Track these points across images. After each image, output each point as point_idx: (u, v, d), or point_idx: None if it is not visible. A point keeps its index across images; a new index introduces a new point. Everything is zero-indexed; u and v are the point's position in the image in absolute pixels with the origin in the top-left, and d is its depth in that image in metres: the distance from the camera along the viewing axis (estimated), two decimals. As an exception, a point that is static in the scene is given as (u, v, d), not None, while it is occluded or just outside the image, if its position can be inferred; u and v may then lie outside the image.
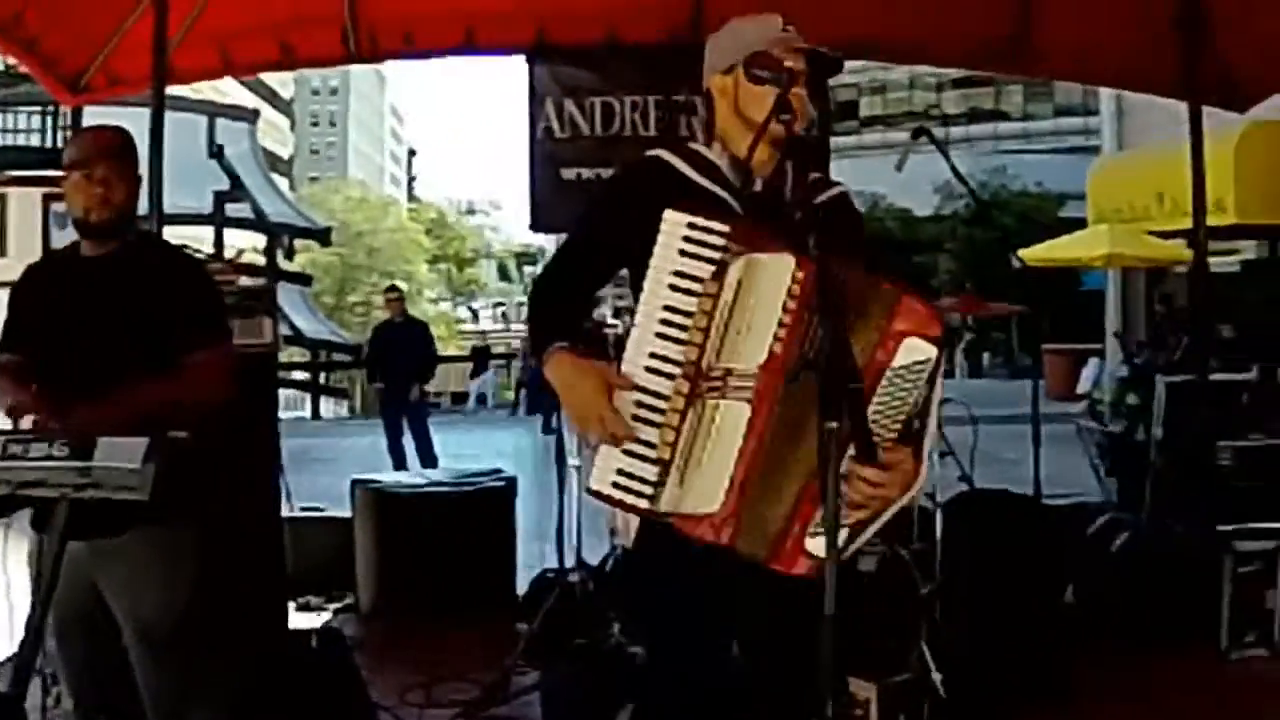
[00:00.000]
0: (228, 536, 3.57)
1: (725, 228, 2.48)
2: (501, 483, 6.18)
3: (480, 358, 30.75)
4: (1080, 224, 19.16)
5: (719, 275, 2.46)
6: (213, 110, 14.94)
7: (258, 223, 16.56)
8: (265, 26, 6.48)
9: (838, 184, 2.87)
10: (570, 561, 5.77)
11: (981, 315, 14.11)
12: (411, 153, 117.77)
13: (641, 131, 6.99)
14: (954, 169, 5.35)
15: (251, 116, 18.05)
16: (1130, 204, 17.64)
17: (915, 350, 2.44)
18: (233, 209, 15.35)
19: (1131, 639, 5.49)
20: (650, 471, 2.51)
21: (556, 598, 5.43)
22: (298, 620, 5.82)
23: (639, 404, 2.51)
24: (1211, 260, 16.69)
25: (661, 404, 2.50)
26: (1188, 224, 16.74)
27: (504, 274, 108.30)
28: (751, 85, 2.77)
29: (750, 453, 2.50)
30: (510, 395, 29.48)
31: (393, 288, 14.28)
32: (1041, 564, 5.62)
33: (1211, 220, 14.82)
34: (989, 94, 41.17)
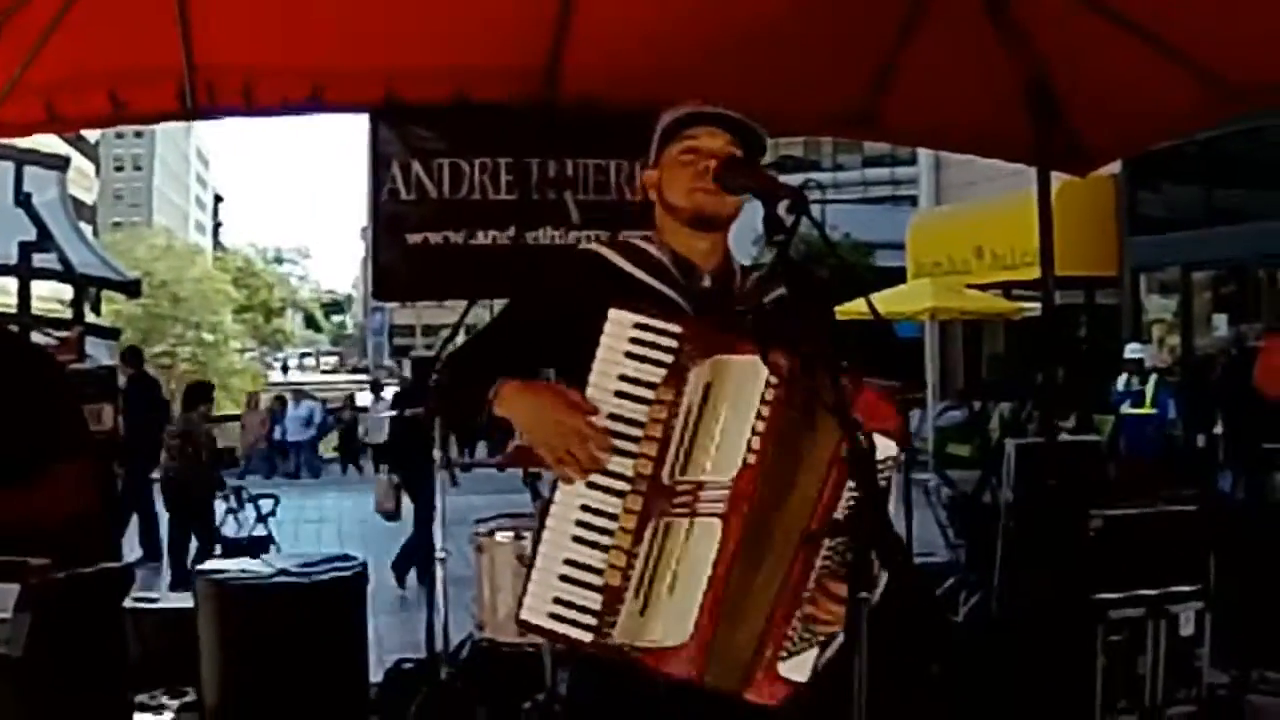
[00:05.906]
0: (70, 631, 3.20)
1: (677, 328, 2.25)
2: (352, 570, 5.84)
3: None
4: (894, 273, 19.59)
5: (677, 379, 2.22)
6: (20, 157, 14.13)
7: (65, 274, 15.73)
8: (94, 77, 5.99)
9: (779, 285, 2.57)
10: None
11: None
12: (218, 198, 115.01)
13: (491, 194, 6.66)
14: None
15: (62, 164, 17.18)
16: (950, 257, 18.17)
17: (883, 449, 2.24)
18: (39, 259, 14.56)
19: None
20: (593, 600, 2.22)
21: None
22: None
23: (580, 523, 2.23)
24: (1026, 307, 17.44)
25: (608, 524, 2.22)
26: (1005, 277, 17.55)
27: (311, 323, 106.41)
28: (669, 167, 2.56)
29: (722, 575, 2.22)
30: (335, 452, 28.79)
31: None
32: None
33: (1027, 274, 15.47)
34: (798, 143, 41.99)
